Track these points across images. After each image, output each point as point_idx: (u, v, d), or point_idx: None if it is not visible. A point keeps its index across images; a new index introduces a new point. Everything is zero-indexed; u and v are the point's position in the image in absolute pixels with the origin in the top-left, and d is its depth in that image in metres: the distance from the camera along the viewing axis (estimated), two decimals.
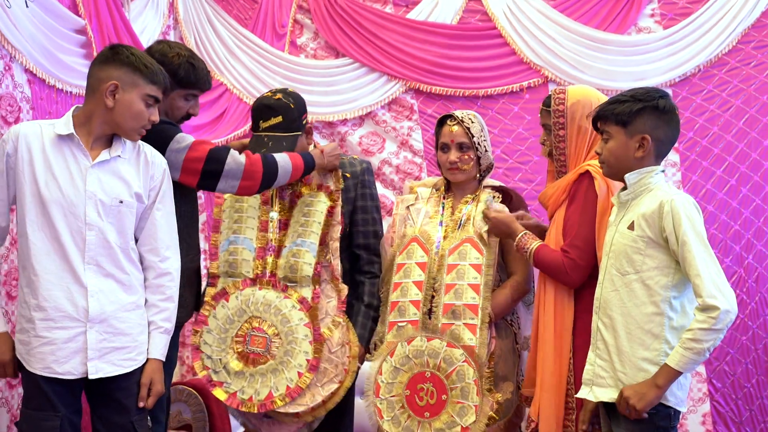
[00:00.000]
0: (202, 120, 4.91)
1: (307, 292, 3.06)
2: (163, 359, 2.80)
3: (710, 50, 4.70)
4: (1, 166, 2.60)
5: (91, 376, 2.60)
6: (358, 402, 3.29)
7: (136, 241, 2.77)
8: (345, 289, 3.12)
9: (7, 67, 3.46)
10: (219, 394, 3.02)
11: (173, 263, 2.82)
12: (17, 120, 3.45)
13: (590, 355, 2.66)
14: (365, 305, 3.20)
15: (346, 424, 3.30)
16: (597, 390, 2.59)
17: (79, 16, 3.98)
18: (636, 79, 4.67)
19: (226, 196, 3.22)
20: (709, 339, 2.37)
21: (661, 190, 2.56)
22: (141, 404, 2.70)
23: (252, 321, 3.06)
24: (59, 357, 2.57)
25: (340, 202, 3.16)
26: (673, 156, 4.68)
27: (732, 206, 4.65)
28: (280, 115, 3.12)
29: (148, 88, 2.65)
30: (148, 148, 2.80)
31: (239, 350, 3.05)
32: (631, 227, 2.56)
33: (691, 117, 4.70)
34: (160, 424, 3.03)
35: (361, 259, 3.26)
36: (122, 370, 2.66)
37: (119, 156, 2.69)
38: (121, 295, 2.67)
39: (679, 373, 2.43)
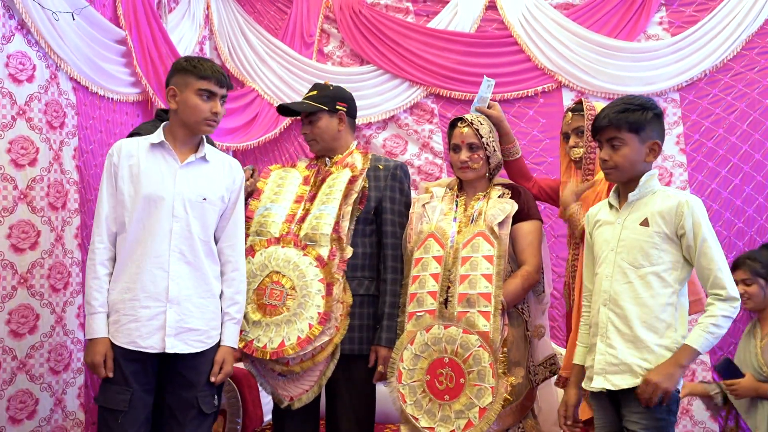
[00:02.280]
0: (235, 123, 5.10)
1: (324, 251, 3.19)
2: (236, 347, 3.07)
3: (716, 56, 4.78)
4: (111, 177, 2.94)
5: (168, 350, 2.87)
6: (381, 389, 3.38)
7: (216, 238, 3.07)
8: (349, 250, 3.27)
9: (53, 76, 3.66)
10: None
11: (244, 260, 3.13)
12: (62, 124, 3.68)
13: (599, 345, 2.73)
14: (388, 307, 3.30)
15: (368, 410, 3.41)
16: (613, 378, 2.66)
17: (120, 27, 4.16)
18: (645, 84, 4.80)
19: (273, 173, 3.47)
20: (726, 325, 2.58)
21: (669, 190, 2.74)
22: (212, 378, 2.97)
23: (272, 275, 3.19)
24: (143, 333, 2.87)
25: (363, 176, 3.35)
26: (680, 157, 4.79)
27: (736, 204, 4.74)
28: (316, 90, 3.47)
29: (198, 83, 2.95)
30: (229, 158, 3.17)
31: (258, 301, 3.18)
32: (644, 224, 2.67)
33: (698, 120, 4.80)
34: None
35: (386, 250, 3.39)
36: (192, 349, 2.93)
37: (205, 159, 3.02)
38: (199, 282, 2.96)
39: (699, 354, 2.58)
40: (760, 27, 4.78)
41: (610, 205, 2.84)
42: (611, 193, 2.85)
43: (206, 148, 3.06)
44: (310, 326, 3.10)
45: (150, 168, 2.95)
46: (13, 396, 3.43)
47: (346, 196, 3.28)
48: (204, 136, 3.08)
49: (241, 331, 3.12)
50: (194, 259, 2.96)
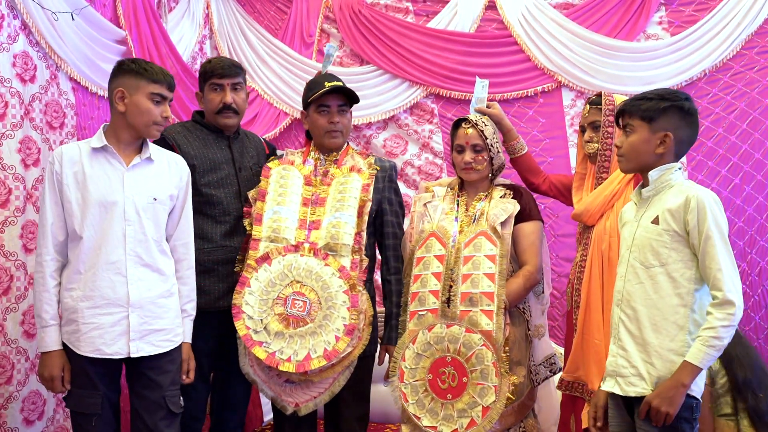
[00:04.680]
0: None
1: (346, 261, 3.17)
2: (190, 342, 3.09)
3: (715, 55, 4.79)
4: (54, 185, 2.87)
5: (133, 355, 2.87)
6: (381, 388, 3.43)
7: (168, 236, 3.05)
8: (366, 260, 3.24)
9: (53, 76, 3.66)
10: (258, 353, 3.06)
11: (193, 256, 3.13)
12: (62, 125, 3.69)
13: (612, 347, 2.68)
14: (395, 307, 3.33)
15: (367, 409, 3.43)
16: (622, 382, 2.62)
17: (120, 27, 4.15)
18: (645, 84, 4.77)
19: (273, 171, 3.37)
20: (727, 335, 2.44)
21: (684, 186, 2.59)
22: (183, 377, 3.01)
23: (293, 285, 3.14)
24: (107, 340, 2.85)
25: (372, 182, 3.32)
26: None
27: (736, 204, 4.74)
28: (340, 81, 3.40)
29: (150, 87, 2.92)
30: (174, 155, 3.13)
31: (280, 312, 3.11)
32: (655, 221, 2.58)
33: None
34: (188, 399, 3.20)
35: (388, 251, 3.41)
36: (161, 350, 2.94)
37: (150, 159, 2.99)
38: (158, 283, 2.95)
39: (701, 370, 2.46)
40: (760, 26, 4.78)
41: (635, 203, 2.78)
42: (635, 189, 2.78)
43: (151, 148, 3.02)
44: (337, 338, 3.08)
45: (96, 173, 2.89)
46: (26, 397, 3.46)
47: (362, 206, 3.26)
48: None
49: (261, 342, 3.09)
50: (151, 260, 2.94)
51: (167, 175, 3.04)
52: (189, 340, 3.08)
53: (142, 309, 2.90)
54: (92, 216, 2.86)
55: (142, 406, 2.94)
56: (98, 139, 2.93)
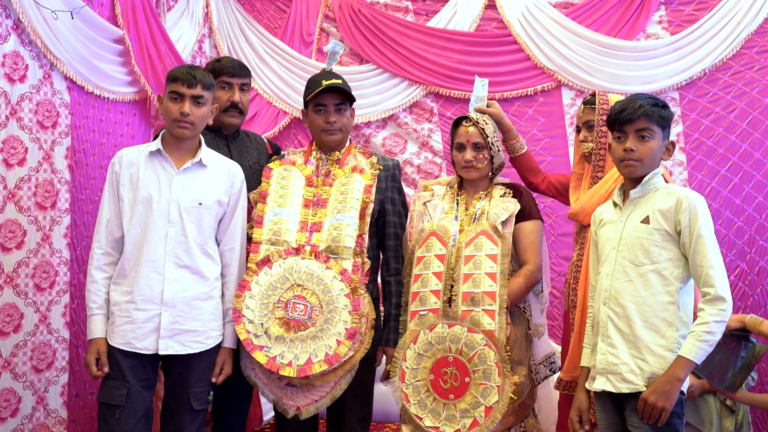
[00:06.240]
0: None
1: (348, 264, 3.15)
2: (235, 347, 3.15)
3: (715, 55, 4.79)
4: (113, 185, 3.02)
5: (161, 352, 2.97)
6: (381, 388, 3.41)
7: (218, 240, 3.13)
8: (368, 262, 3.22)
9: (46, 75, 3.68)
10: (259, 357, 3.04)
11: (242, 263, 3.19)
12: (54, 124, 3.72)
13: (600, 345, 2.71)
14: (394, 308, 3.32)
15: (368, 411, 3.42)
16: (614, 379, 2.65)
17: (118, 26, 4.16)
18: (645, 83, 4.80)
19: (274, 172, 3.35)
20: (720, 331, 2.52)
21: (671, 188, 2.70)
22: (213, 379, 3.08)
23: (294, 289, 3.12)
24: (138, 334, 2.96)
25: (375, 183, 3.30)
26: (679, 155, 4.79)
27: (735, 203, 4.74)
28: (339, 80, 3.37)
29: (169, 87, 3.04)
30: (229, 162, 3.21)
31: (280, 316, 3.09)
32: (645, 221, 2.66)
33: (697, 119, 4.80)
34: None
35: (389, 252, 3.39)
36: (190, 350, 3.02)
37: (202, 164, 3.08)
38: (195, 285, 3.04)
39: (695, 364, 2.52)
40: (760, 26, 4.78)
41: (614, 204, 2.84)
42: (616, 190, 2.85)
43: (205, 153, 3.11)
44: (339, 342, 3.06)
45: (148, 175, 3.03)
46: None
47: (364, 208, 3.25)
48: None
49: (262, 347, 3.07)
50: (191, 262, 3.04)
51: (218, 180, 3.12)
52: (229, 344, 3.13)
53: (175, 308, 2.99)
54: (138, 215, 2.99)
55: (170, 400, 3.06)
56: (155, 143, 3.06)
